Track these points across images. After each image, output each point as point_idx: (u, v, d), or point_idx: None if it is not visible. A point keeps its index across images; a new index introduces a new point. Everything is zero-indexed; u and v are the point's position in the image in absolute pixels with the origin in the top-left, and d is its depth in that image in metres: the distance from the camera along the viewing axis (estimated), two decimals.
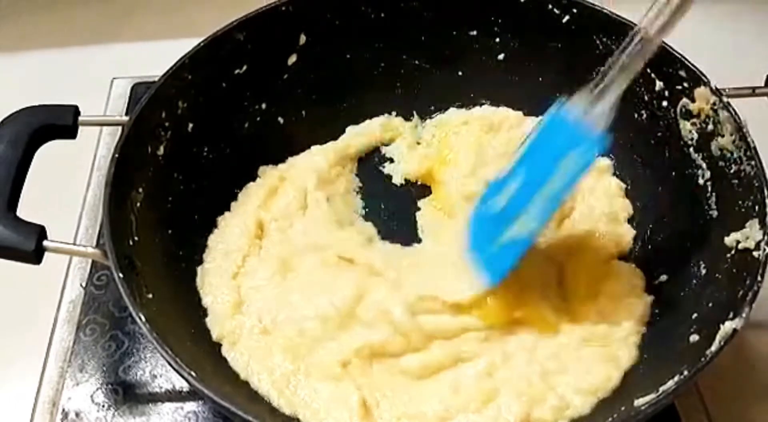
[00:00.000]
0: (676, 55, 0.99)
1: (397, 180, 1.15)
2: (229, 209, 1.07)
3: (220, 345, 0.95)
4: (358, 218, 1.10)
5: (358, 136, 1.16)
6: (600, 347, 0.93)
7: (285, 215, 1.06)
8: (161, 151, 0.99)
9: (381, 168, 1.16)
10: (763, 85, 1.00)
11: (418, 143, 1.17)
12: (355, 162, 1.16)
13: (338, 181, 1.12)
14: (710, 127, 0.97)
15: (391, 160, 1.16)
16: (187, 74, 1.02)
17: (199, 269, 1.01)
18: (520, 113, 1.16)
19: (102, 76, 1.34)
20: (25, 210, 0.89)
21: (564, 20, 1.08)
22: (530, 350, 0.93)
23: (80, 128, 0.97)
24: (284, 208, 1.06)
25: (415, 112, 1.19)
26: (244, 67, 1.08)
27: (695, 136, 0.99)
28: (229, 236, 1.04)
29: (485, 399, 0.89)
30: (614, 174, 1.11)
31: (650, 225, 1.05)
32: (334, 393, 0.90)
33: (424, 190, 1.14)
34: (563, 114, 0.93)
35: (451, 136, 1.16)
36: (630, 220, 1.07)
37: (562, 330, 0.95)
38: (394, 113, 1.18)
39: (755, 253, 0.87)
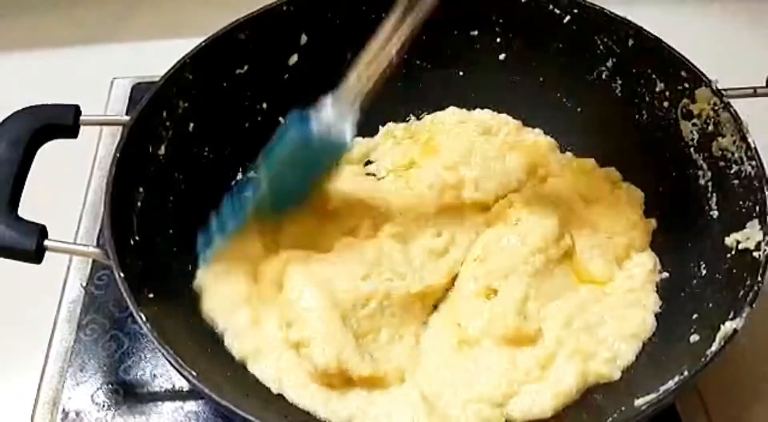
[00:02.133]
0: (677, 55, 1.00)
1: (381, 174, 1.14)
2: None
3: (219, 343, 0.94)
4: None
5: (360, 145, 1.16)
6: (623, 296, 0.97)
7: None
8: (162, 150, 0.99)
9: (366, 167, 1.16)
10: (764, 85, 0.99)
11: (411, 137, 1.17)
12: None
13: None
14: (711, 127, 0.97)
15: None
16: (188, 74, 1.02)
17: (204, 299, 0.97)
18: (519, 122, 1.16)
19: (102, 76, 1.34)
20: (25, 209, 0.89)
21: (565, 20, 1.08)
22: (565, 311, 0.95)
23: (81, 128, 0.97)
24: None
25: (415, 111, 1.19)
26: (245, 67, 1.08)
27: (696, 136, 0.99)
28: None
29: (544, 365, 0.91)
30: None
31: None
32: (390, 395, 0.89)
33: None
34: (307, 125, 0.93)
35: (445, 132, 1.15)
36: None
37: (583, 288, 0.98)
38: (398, 121, 1.19)
39: (755, 254, 0.87)
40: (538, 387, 0.89)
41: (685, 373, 0.81)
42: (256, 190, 0.98)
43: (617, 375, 0.91)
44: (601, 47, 1.07)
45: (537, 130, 1.16)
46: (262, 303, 0.96)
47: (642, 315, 0.95)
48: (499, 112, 1.17)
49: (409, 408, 0.88)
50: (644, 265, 1.00)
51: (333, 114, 0.93)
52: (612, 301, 0.97)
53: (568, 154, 1.14)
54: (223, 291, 0.96)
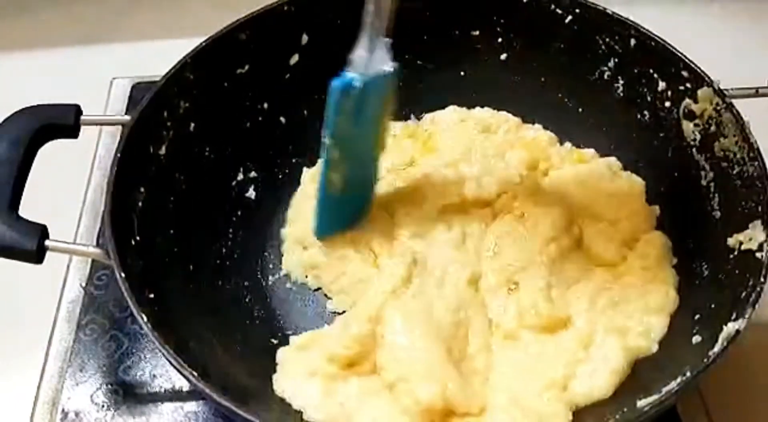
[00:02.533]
0: (679, 55, 0.99)
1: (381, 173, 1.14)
2: (227, 212, 1.08)
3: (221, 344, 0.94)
4: None
5: None
6: (641, 274, 0.97)
7: None
8: (163, 150, 0.99)
9: None
10: (766, 85, 0.99)
11: (410, 137, 1.16)
12: None
13: None
14: (713, 127, 0.97)
15: None
16: (189, 74, 1.01)
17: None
18: (518, 119, 1.16)
19: (102, 76, 1.34)
20: (24, 209, 0.89)
21: (566, 20, 1.08)
22: (587, 293, 0.96)
23: (81, 128, 0.97)
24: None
25: (415, 112, 1.19)
26: (246, 67, 1.08)
27: (698, 136, 0.99)
28: None
29: (586, 344, 0.92)
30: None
31: None
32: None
33: None
34: (347, 80, 0.92)
35: (445, 131, 1.15)
36: None
37: (599, 270, 0.99)
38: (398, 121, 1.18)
39: (758, 254, 0.86)
40: (590, 368, 0.90)
41: (688, 374, 0.81)
42: (327, 164, 0.97)
43: (655, 348, 0.92)
44: (603, 47, 1.07)
45: (537, 126, 1.16)
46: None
47: (664, 289, 0.96)
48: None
49: (506, 415, 0.87)
50: (654, 243, 1.01)
51: (364, 53, 0.91)
52: (630, 279, 0.98)
53: (568, 144, 1.14)
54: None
